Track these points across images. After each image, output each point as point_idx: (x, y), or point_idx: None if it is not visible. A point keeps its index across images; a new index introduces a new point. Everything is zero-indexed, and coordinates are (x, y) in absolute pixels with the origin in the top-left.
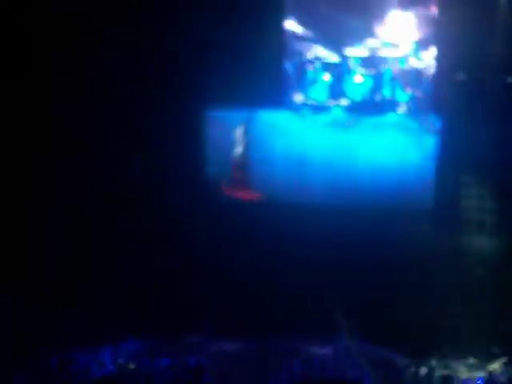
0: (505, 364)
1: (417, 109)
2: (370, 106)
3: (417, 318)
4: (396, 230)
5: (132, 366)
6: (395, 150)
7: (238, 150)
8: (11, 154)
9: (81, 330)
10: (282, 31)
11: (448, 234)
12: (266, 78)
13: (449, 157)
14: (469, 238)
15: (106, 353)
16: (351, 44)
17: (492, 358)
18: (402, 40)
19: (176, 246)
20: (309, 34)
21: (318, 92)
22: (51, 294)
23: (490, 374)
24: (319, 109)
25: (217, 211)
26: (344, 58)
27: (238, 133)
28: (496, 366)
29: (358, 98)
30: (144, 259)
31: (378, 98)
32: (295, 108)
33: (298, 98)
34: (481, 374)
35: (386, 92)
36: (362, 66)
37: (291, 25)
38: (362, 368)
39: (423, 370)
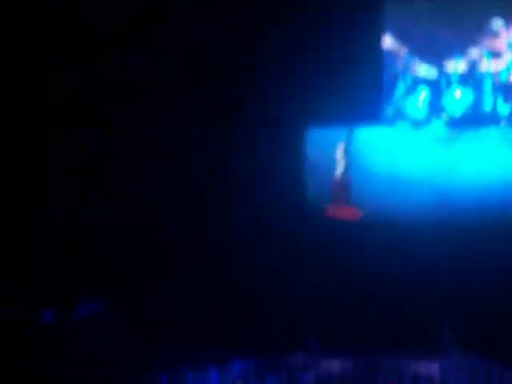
0: None
1: None
2: (471, 121)
3: None
4: (500, 248)
5: None
6: (499, 164)
7: (340, 168)
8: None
9: (188, 349)
10: (380, 46)
11: None
12: (366, 93)
13: None
14: None
15: (213, 373)
16: (450, 57)
17: None
18: (503, 50)
19: (279, 265)
20: (407, 48)
21: (418, 107)
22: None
23: None
24: (419, 124)
25: (320, 232)
26: (443, 72)
27: (339, 150)
28: None
29: (458, 112)
30: (249, 280)
31: (479, 111)
32: (395, 124)
33: (398, 113)
34: None
35: (488, 105)
36: (462, 80)
37: (389, 40)
38: None
39: None
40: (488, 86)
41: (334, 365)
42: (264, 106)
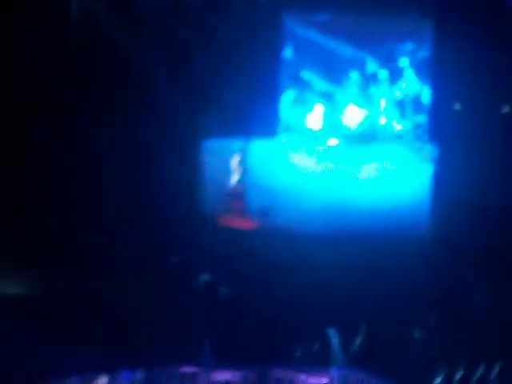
0: None
1: (414, 138)
2: (367, 137)
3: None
4: (392, 259)
5: None
6: (392, 179)
7: (234, 178)
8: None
9: (77, 359)
10: (278, 60)
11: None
12: (262, 106)
13: (445, 185)
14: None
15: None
16: (347, 72)
17: None
18: (400, 67)
19: (176, 273)
20: (305, 63)
21: (314, 121)
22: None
23: None
24: (315, 137)
25: (214, 240)
26: (340, 86)
27: (234, 162)
28: None
29: (354, 128)
30: (138, 290)
31: (374, 127)
32: (290, 137)
33: (293, 126)
34: None
35: (383, 121)
36: (359, 96)
37: (288, 53)
38: None
39: None
40: (384, 103)
41: (225, 375)
42: (162, 117)
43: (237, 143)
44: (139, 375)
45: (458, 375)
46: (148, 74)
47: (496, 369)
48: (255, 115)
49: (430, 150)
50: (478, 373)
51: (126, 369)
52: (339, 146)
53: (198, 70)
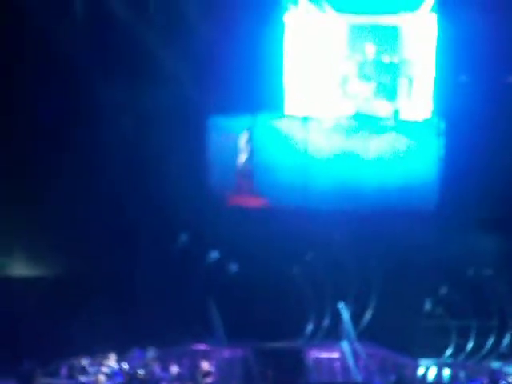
0: None
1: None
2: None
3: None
4: (400, 233)
5: (141, 374)
6: (399, 154)
7: (242, 157)
8: None
9: (88, 339)
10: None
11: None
12: (268, 84)
13: (453, 159)
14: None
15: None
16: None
17: None
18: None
19: (183, 255)
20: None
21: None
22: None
23: None
24: (324, 116)
25: (222, 219)
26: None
27: (242, 140)
28: None
29: (362, 105)
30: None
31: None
32: (297, 115)
33: (302, 104)
34: None
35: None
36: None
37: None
38: (369, 371)
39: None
40: (389, 80)
41: (236, 352)
42: (170, 95)
43: (244, 121)
44: (151, 353)
45: (470, 345)
46: (155, 51)
47: (508, 334)
48: (262, 92)
49: (437, 125)
50: (490, 342)
51: (138, 347)
52: (348, 123)
53: (204, 47)
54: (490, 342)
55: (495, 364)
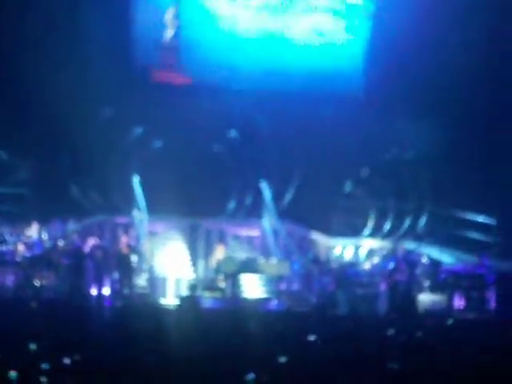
0: None
1: None
2: None
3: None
4: (324, 116)
5: (60, 244)
6: (325, 32)
7: (169, 33)
8: None
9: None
10: None
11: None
12: None
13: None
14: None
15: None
16: None
17: None
18: None
19: (107, 130)
20: None
21: None
22: None
23: None
24: None
25: (146, 95)
26: None
27: (169, 15)
28: None
29: None
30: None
31: None
32: None
33: None
34: None
35: None
36: None
37: None
38: (288, 249)
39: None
40: None
41: (158, 226)
42: None
43: None
44: (71, 225)
45: (387, 226)
46: None
47: (424, 217)
48: None
49: (366, 7)
50: (407, 222)
51: (59, 219)
52: (277, 1)
53: None
54: (407, 223)
55: (410, 245)
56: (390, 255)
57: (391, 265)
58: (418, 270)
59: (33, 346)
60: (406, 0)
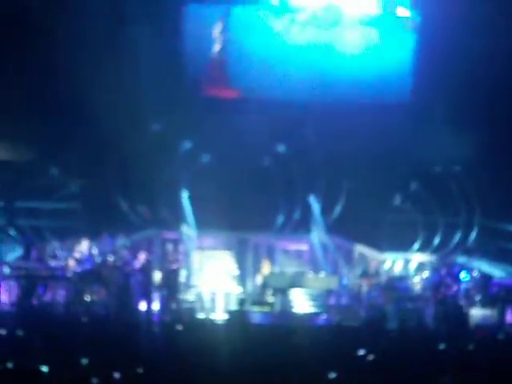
0: None
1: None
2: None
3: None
4: (372, 126)
5: (111, 260)
6: (374, 44)
7: (216, 47)
8: None
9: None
10: None
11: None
12: None
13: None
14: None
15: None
16: None
17: None
18: None
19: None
20: None
21: None
22: None
23: None
24: (297, 7)
25: (196, 109)
26: None
27: (216, 30)
28: None
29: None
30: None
31: None
32: (272, 5)
33: None
34: None
35: None
36: None
37: None
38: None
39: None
40: None
41: (207, 241)
42: None
43: (219, 10)
44: (121, 240)
45: (436, 240)
46: None
47: (474, 231)
48: None
49: (412, 19)
50: (457, 237)
51: (108, 234)
52: (324, 15)
53: None
54: (457, 237)
55: (461, 259)
56: (439, 269)
57: (437, 279)
58: (468, 285)
59: (84, 361)
60: (452, 12)
